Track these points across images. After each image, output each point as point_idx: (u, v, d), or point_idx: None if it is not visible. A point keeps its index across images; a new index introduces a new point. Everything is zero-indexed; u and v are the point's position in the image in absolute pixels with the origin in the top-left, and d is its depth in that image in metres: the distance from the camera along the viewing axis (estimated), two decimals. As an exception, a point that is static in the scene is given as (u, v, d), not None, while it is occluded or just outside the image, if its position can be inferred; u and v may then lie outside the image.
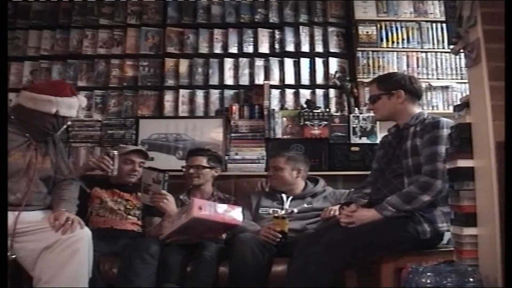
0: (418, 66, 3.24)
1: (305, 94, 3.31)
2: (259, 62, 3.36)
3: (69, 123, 2.12)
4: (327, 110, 3.17)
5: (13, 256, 1.79)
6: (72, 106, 2.02)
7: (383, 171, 2.07)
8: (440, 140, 1.87)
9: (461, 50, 1.75)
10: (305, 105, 3.18)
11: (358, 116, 3.11)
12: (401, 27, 3.29)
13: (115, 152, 2.38)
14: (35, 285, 1.76)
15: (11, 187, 1.88)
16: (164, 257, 2.15)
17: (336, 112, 3.21)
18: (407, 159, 1.95)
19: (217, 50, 3.37)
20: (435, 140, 1.87)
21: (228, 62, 3.35)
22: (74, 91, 2.08)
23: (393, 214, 1.85)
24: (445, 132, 1.87)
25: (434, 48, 3.26)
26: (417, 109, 2.05)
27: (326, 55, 3.36)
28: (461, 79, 3.16)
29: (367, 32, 3.28)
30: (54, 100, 1.96)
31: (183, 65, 3.36)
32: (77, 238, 1.81)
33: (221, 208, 2.25)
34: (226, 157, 3.07)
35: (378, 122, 3.04)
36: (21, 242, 1.80)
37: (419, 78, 3.12)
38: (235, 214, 2.27)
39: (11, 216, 1.82)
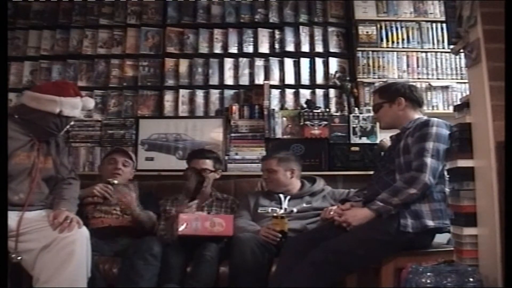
0: (418, 66, 3.24)
1: (305, 94, 3.31)
2: (259, 62, 3.36)
3: (72, 123, 2.12)
4: (327, 110, 3.17)
5: (19, 258, 1.79)
6: (75, 106, 2.02)
7: (379, 171, 2.11)
8: (429, 137, 1.91)
9: (461, 50, 1.76)
10: (305, 105, 3.18)
11: (358, 116, 3.11)
12: (401, 27, 3.29)
13: (115, 181, 2.47)
14: (34, 285, 1.76)
15: (15, 188, 1.89)
16: (165, 257, 2.16)
17: (336, 112, 3.20)
18: (399, 158, 1.99)
19: (217, 50, 3.37)
20: (424, 137, 1.92)
21: (228, 62, 3.35)
22: (78, 92, 2.08)
23: (382, 208, 1.88)
24: (434, 130, 1.92)
25: (434, 48, 3.26)
26: (417, 115, 2.09)
27: (326, 55, 3.35)
28: (461, 79, 3.16)
29: (367, 32, 3.28)
30: (58, 100, 1.95)
31: (183, 65, 3.36)
32: (74, 238, 1.81)
33: (208, 221, 2.26)
34: (226, 157, 3.07)
35: (378, 122, 3.04)
36: (21, 242, 1.81)
37: (419, 78, 3.16)
38: (225, 225, 2.26)
39: (14, 217, 1.82)
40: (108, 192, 2.43)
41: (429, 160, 1.86)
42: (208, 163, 2.61)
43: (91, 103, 2.14)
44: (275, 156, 2.60)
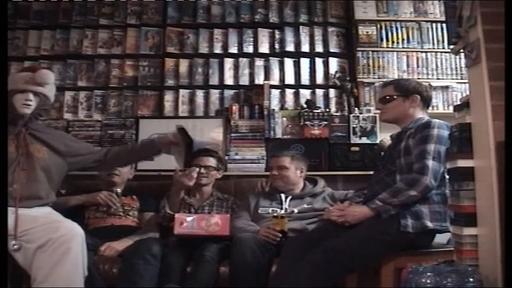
0: (418, 66, 3.24)
1: (305, 94, 3.31)
2: (259, 62, 3.36)
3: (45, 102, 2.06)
4: (327, 110, 3.17)
5: (16, 247, 1.79)
6: (26, 80, 2.00)
7: (380, 172, 2.11)
8: (430, 139, 1.91)
9: (461, 50, 1.76)
10: (305, 105, 3.18)
11: (358, 116, 3.11)
12: (401, 27, 3.29)
13: (119, 190, 2.49)
14: (31, 285, 1.76)
15: (10, 179, 1.87)
16: (165, 257, 2.16)
17: (336, 112, 3.20)
18: (400, 159, 1.99)
19: (217, 50, 3.36)
20: (425, 139, 1.92)
21: (228, 62, 3.35)
22: (32, 69, 2.08)
23: (381, 208, 1.88)
24: (436, 131, 1.92)
25: (434, 48, 3.26)
26: (421, 115, 2.09)
27: (326, 55, 3.35)
28: (461, 79, 3.16)
29: (367, 32, 3.28)
30: (9, 79, 1.99)
31: (183, 65, 3.36)
32: (69, 237, 1.80)
33: (204, 220, 2.28)
34: (226, 157, 3.07)
35: (378, 122, 3.04)
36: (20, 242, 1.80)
37: (419, 78, 3.14)
38: (221, 225, 2.27)
39: (11, 214, 1.81)
40: (112, 201, 2.44)
41: (430, 163, 1.86)
42: (212, 161, 2.63)
43: (45, 75, 2.03)
44: (288, 153, 2.63)
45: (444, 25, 3.09)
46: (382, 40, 3.27)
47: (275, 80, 3.32)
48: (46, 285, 1.72)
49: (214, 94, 3.31)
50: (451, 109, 2.62)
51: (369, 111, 3.11)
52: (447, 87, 3.20)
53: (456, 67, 3.21)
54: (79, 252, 1.82)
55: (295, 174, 2.55)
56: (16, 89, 1.97)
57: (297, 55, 3.36)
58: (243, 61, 3.36)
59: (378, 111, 2.28)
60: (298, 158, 2.62)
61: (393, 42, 3.27)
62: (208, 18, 3.42)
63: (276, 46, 3.38)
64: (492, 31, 1.53)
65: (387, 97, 2.12)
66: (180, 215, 2.30)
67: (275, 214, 2.31)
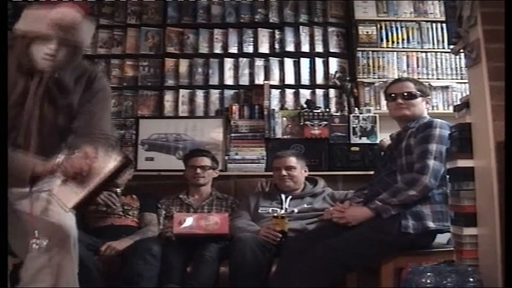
0: (418, 66, 3.23)
1: (305, 94, 3.31)
2: (259, 62, 3.35)
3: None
4: (327, 110, 3.16)
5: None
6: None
7: (380, 172, 2.11)
8: (432, 138, 1.91)
9: (461, 50, 1.76)
10: (305, 105, 3.18)
11: (358, 116, 3.11)
12: (401, 27, 3.28)
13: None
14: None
15: None
16: (165, 258, 2.16)
17: (336, 112, 3.20)
18: (401, 158, 2.00)
19: (217, 50, 3.36)
20: (427, 139, 1.92)
21: (228, 62, 3.34)
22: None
23: (380, 207, 1.88)
24: (437, 131, 1.93)
25: (434, 48, 3.25)
26: (424, 115, 2.11)
27: (326, 55, 3.35)
28: (461, 79, 3.16)
29: (367, 32, 3.28)
30: None
31: (183, 65, 3.35)
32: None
33: (203, 219, 2.28)
34: (226, 157, 3.07)
35: (378, 122, 3.04)
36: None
37: (419, 78, 3.13)
38: (220, 223, 2.28)
39: None
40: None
41: (431, 162, 1.87)
42: (207, 161, 2.65)
43: (73, 17, 1.48)
44: (293, 153, 2.64)
45: (444, 25, 3.08)
46: (382, 40, 3.26)
47: (275, 80, 3.32)
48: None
49: (214, 94, 3.31)
50: (451, 109, 2.62)
51: (369, 111, 3.11)
52: (447, 87, 3.20)
53: (456, 67, 3.21)
54: (73, 250, 1.79)
55: (301, 173, 2.57)
56: (37, 35, 1.44)
57: (297, 55, 3.36)
58: (243, 61, 3.35)
59: (395, 105, 2.10)
60: (301, 157, 2.63)
61: (393, 42, 3.27)
62: (208, 18, 3.42)
63: (276, 46, 3.38)
64: (492, 31, 1.53)
65: (410, 93, 2.07)
66: (179, 215, 2.31)
67: (275, 214, 2.31)
